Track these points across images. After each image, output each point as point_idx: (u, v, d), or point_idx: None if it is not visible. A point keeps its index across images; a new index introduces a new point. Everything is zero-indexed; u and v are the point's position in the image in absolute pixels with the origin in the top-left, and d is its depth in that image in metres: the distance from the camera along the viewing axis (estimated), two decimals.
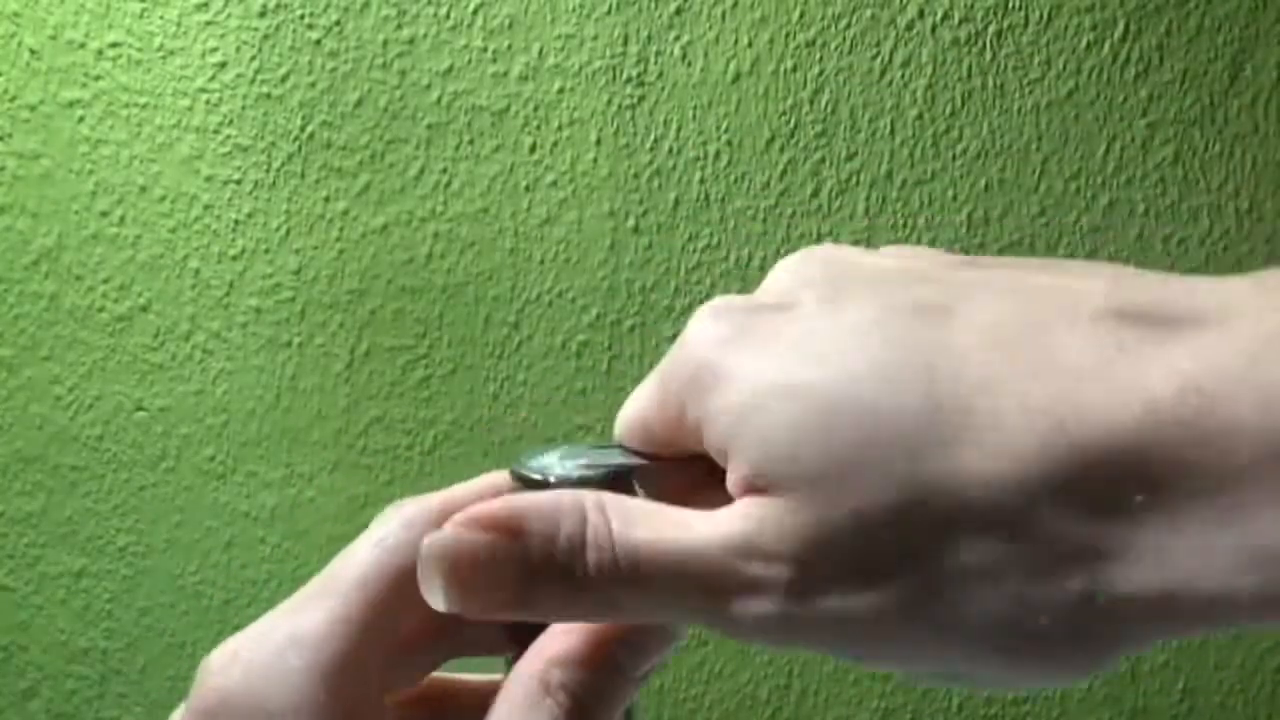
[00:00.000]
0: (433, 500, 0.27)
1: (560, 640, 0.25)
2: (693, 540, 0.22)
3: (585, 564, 0.22)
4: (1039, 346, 0.21)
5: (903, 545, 0.21)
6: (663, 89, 0.78)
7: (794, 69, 0.77)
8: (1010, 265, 0.24)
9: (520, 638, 0.26)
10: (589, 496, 0.23)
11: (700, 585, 0.22)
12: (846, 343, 0.22)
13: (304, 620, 0.25)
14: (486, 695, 0.25)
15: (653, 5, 0.77)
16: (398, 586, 0.25)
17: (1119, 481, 0.20)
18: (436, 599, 0.22)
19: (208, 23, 0.78)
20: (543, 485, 0.25)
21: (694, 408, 0.23)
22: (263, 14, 0.77)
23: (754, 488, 0.22)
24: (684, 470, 0.25)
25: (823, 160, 0.78)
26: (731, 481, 0.23)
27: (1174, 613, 0.20)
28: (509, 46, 0.78)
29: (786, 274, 0.25)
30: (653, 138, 0.78)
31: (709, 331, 0.23)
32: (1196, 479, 0.19)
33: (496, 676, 0.27)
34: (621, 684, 0.25)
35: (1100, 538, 0.20)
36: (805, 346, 0.22)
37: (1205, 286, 0.23)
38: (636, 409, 0.26)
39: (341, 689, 0.25)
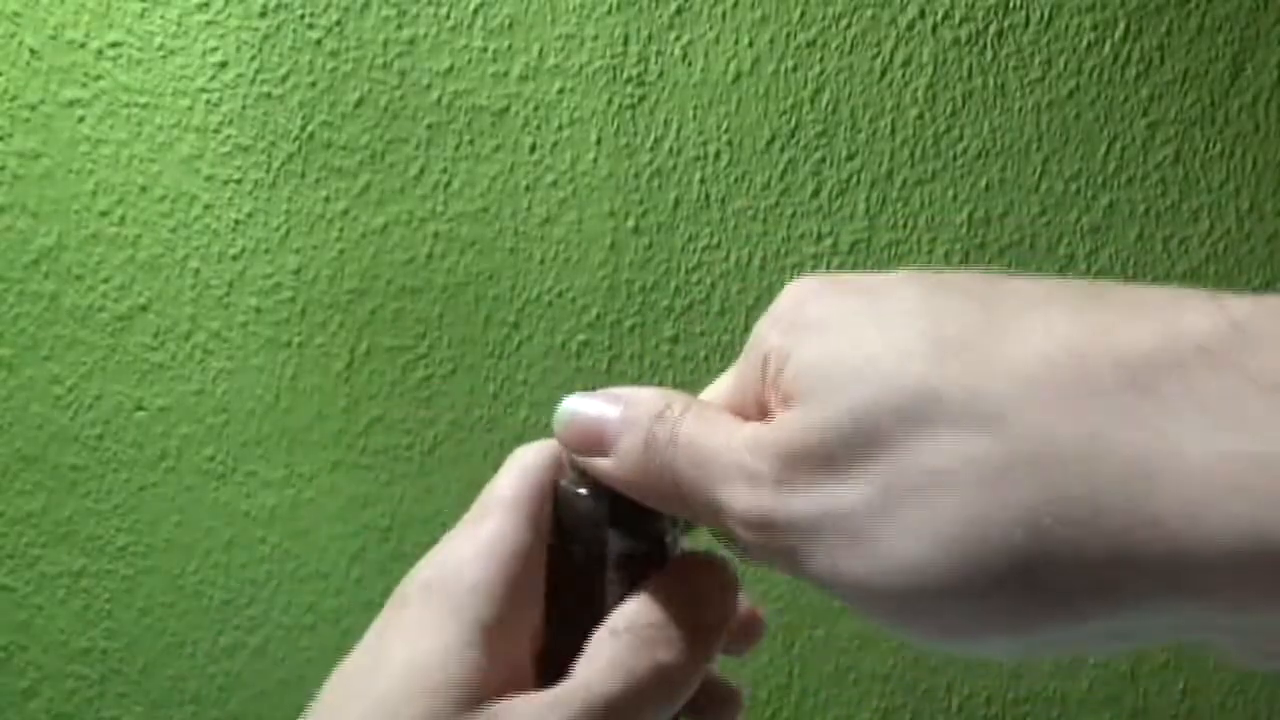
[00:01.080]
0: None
1: None
2: (725, 438, 0.26)
3: (652, 430, 0.27)
4: (1095, 291, 0.22)
5: (876, 436, 0.22)
6: (663, 89, 0.78)
7: (794, 69, 0.77)
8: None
9: None
10: (681, 396, 0.28)
11: (716, 473, 0.25)
12: (908, 300, 0.23)
13: (475, 531, 0.30)
14: None
15: (653, 5, 0.77)
16: (540, 502, 0.30)
17: (1115, 395, 0.20)
18: (560, 431, 0.29)
19: (208, 23, 0.78)
20: None
21: (769, 351, 0.26)
22: (263, 14, 0.77)
23: (783, 403, 0.24)
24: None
25: (823, 160, 0.78)
26: (776, 402, 0.25)
27: (1134, 551, 0.19)
28: (509, 46, 0.78)
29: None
30: (653, 138, 0.78)
31: (789, 299, 0.26)
32: (1209, 400, 0.19)
33: None
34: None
35: (1073, 439, 0.20)
36: (870, 306, 0.24)
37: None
38: (717, 383, 0.29)
39: (513, 576, 0.29)
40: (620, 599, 0.29)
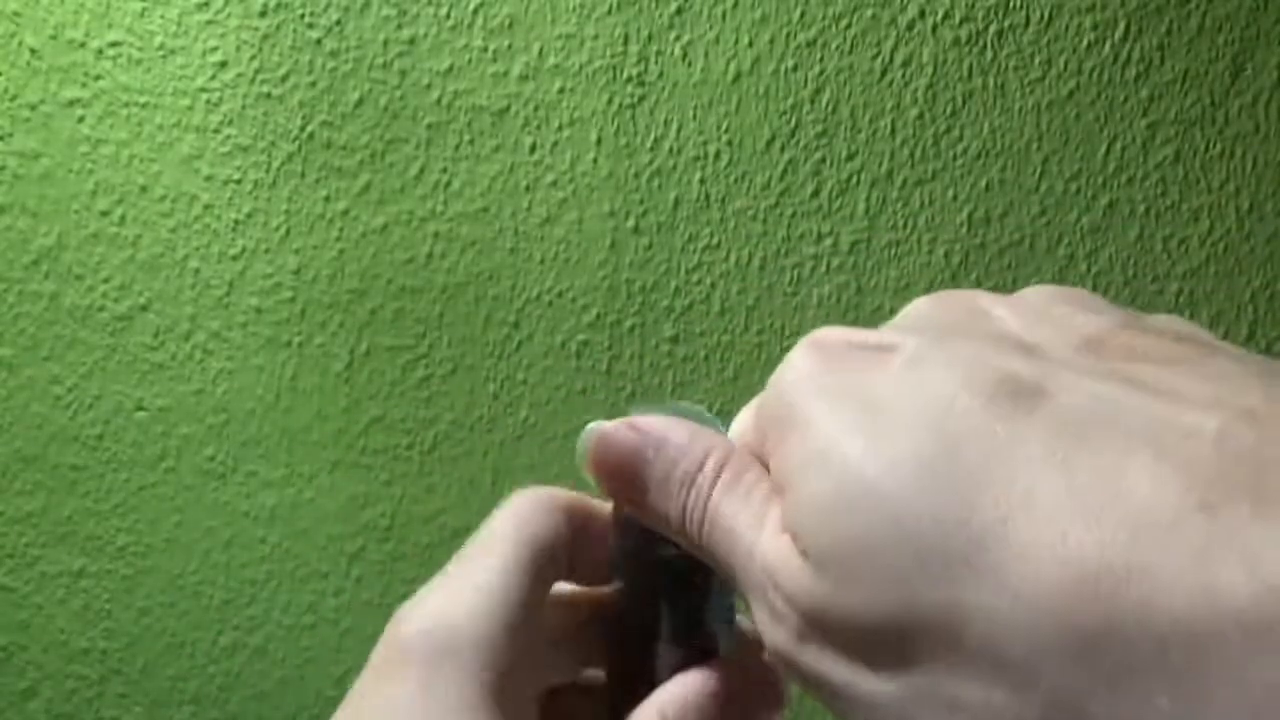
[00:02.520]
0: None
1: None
2: (751, 542, 0.24)
3: (686, 500, 0.26)
4: (1111, 474, 0.18)
5: (894, 651, 0.20)
6: (663, 89, 0.78)
7: (794, 69, 0.77)
8: (1147, 357, 0.20)
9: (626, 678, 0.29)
10: (719, 447, 0.26)
11: (744, 579, 0.24)
12: (909, 418, 0.20)
13: (473, 578, 0.28)
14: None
15: (653, 5, 0.77)
16: (535, 553, 0.29)
17: (1145, 668, 0.16)
18: (583, 467, 0.28)
19: (208, 22, 0.78)
20: None
21: (770, 443, 0.24)
22: (263, 14, 0.77)
23: (792, 535, 0.23)
24: None
25: (823, 160, 0.78)
26: (781, 516, 0.24)
27: None
28: (509, 46, 0.78)
29: (914, 310, 0.25)
30: (653, 138, 0.78)
31: (801, 366, 0.24)
32: (1245, 696, 0.15)
33: None
34: None
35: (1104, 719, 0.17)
36: (873, 412, 0.21)
37: None
38: (738, 428, 0.28)
39: (515, 625, 0.27)
40: (675, 664, 0.29)
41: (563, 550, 0.29)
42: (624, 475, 0.27)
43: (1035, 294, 0.24)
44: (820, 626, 0.21)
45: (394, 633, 0.27)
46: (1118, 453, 0.18)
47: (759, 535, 0.24)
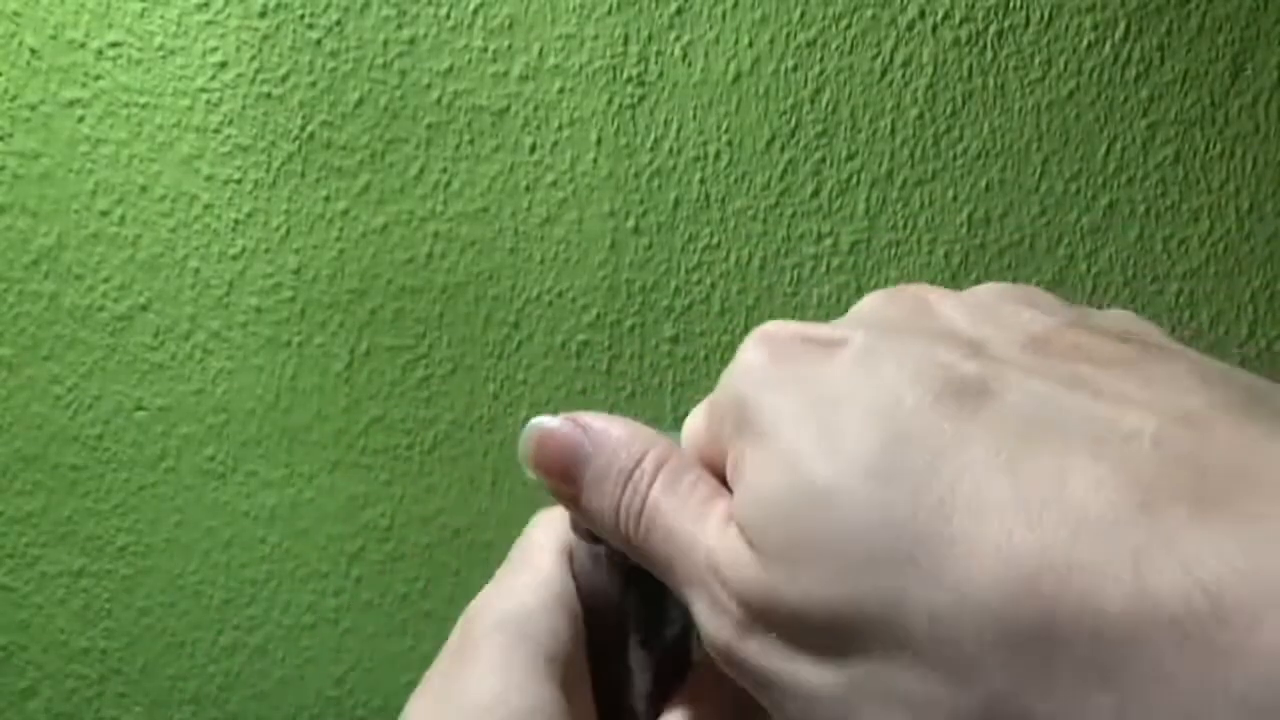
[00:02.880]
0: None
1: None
2: (691, 535, 0.24)
3: (621, 498, 0.26)
4: (1053, 475, 0.18)
5: (837, 643, 0.20)
6: (663, 89, 0.78)
7: (794, 69, 0.77)
8: (1092, 357, 0.20)
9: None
10: (659, 446, 0.26)
11: (684, 575, 0.24)
12: (856, 415, 0.21)
13: (531, 576, 0.30)
14: None
15: (653, 5, 0.77)
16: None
17: (1082, 665, 0.16)
18: (524, 464, 0.28)
19: (208, 22, 0.78)
20: None
21: (724, 436, 0.24)
22: (263, 14, 0.77)
23: (740, 527, 0.23)
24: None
25: (823, 160, 0.78)
26: (730, 508, 0.24)
27: None
28: (509, 46, 0.78)
29: (865, 304, 0.25)
30: (653, 138, 0.78)
31: (752, 360, 0.24)
32: (1176, 695, 0.15)
33: None
34: None
35: (1043, 715, 0.17)
36: (821, 407, 0.22)
37: None
38: (691, 426, 0.28)
39: (575, 619, 0.29)
40: (647, 665, 0.30)
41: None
42: (562, 471, 0.27)
43: (986, 291, 0.24)
44: (764, 618, 0.22)
45: (469, 622, 0.29)
46: (1059, 453, 0.18)
47: (702, 528, 0.24)
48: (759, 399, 0.23)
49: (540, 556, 0.30)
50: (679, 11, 0.77)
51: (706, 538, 0.24)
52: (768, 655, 0.22)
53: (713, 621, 0.23)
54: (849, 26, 0.77)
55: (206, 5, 0.77)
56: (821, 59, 0.77)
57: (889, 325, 0.23)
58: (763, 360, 0.24)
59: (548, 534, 0.30)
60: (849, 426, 0.21)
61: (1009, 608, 0.17)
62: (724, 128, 0.78)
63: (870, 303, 0.25)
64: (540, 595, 0.29)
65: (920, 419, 0.20)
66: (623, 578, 0.30)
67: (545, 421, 0.28)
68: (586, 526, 0.29)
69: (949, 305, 0.24)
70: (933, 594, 0.18)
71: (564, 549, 0.30)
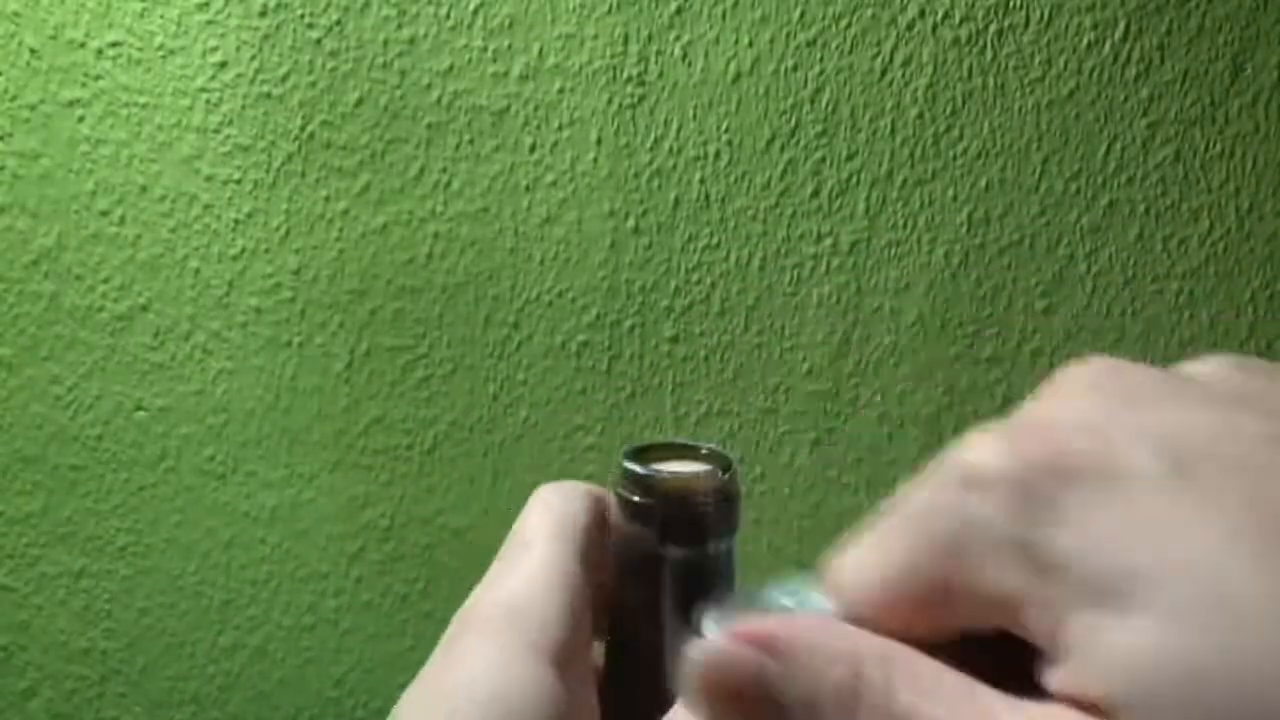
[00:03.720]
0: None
1: None
2: None
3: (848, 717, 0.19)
4: None
5: None
6: (663, 89, 0.78)
7: (794, 69, 0.77)
8: None
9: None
10: (872, 646, 0.19)
11: None
12: (1221, 571, 0.17)
13: (525, 564, 0.29)
14: None
15: (653, 5, 0.77)
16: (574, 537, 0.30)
17: None
18: (689, 700, 0.20)
19: (208, 22, 0.78)
20: None
21: (1006, 579, 0.18)
22: (263, 14, 0.77)
23: (1095, 708, 0.17)
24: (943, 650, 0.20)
25: (823, 160, 0.78)
26: (1059, 680, 0.18)
27: None
28: (509, 46, 0.78)
29: (1089, 404, 0.20)
30: (653, 138, 0.78)
31: (999, 505, 0.18)
32: None
33: None
34: None
35: None
36: (1165, 556, 0.17)
37: None
38: (873, 570, 0.21)
39: (573, 604, 0.28)
40: (680, 625, 0.29)
41: (597, 532, 0.30)
42: (748, 701, 0.20)
43: (1195, 366, 0.21)
44: None
45: (464, 614, 0.29)
46: None
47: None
48: (1040, 535, 0.18)
49: (533, 546, 0.29)
50: (679, 11, 0.77)
51: None
52: None
53: None
54: (849, 26, 0.77)
55: (206, 5, 0.77)
56: (821, 59, 0.77)
57: (1160, 442, 0.18)
58: (1002, 492, 0.18)
59: (541, 520, 0.30)
60: (1204, 581, 0.17)
61: None
62: (724, 128, 0.78)
63: (1089, 399, 0.20)
64: (531, 584, 0.28)
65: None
66: (670, 574, 0.29)
67: (713, 642, 0.20)
68: (647, 517, 0.28)
69: (1190, 394, 0.20)
70: None
71: (560, 534, 0.30)
